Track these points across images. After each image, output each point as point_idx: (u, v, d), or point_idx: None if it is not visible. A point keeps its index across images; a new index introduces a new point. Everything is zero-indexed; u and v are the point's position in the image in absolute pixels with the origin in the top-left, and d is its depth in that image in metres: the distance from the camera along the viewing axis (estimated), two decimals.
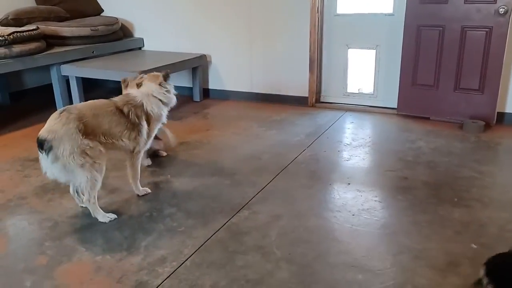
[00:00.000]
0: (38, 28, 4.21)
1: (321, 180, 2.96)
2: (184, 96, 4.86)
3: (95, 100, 2.54)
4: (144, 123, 2.58)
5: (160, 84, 2.69)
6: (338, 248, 2.20)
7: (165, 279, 1.97)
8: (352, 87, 4.59)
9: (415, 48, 4.02)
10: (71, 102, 4.35)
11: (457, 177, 2.94)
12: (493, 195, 2.71)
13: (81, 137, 2.28)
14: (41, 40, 4.26)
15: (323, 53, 4.56)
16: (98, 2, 5.37)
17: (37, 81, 5.17)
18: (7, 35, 3.86)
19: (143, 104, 2.58)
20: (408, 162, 3.19)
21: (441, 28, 3.88)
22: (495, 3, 3.63)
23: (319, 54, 4.53)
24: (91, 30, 4.71)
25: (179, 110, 4.41)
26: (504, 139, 3.62)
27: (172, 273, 2.01)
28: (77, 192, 2.52)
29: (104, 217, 2.45)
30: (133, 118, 2.52)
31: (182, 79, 5.07)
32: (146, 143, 2.65)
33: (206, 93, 5.11)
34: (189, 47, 5.01)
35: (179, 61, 4.56)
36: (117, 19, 5.11)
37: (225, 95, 5.04)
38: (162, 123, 2.79)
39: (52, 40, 4.50)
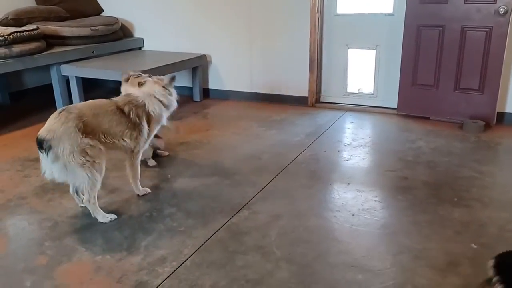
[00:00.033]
0: (38, 28, 4.20)
1: (321, 180, 2.96)
2: (184, 96, 4.85)
3: (96, 100, 2.54)
4: (145, 123, 2.58)
5: (164, 86, 2.70)
6: (338, 248, 2.20)
7: (165, 279, 1.97)
8: (352, 87, 4.59)
9: (415, 48, 4.02)
10: (71, 102, 4.34)
11: (457, 177, 2.94)
12: (493, 195, 2.71)
13: (81, 136, 2.27)
14: (41, 40, 4.26)
15: (323, 53, 4.56)
16: (98, 2, 5.37)
17: (37, 81, 5.17)
18: (7, 35, 3.86)
19: (144, 104, 2.58)
20: (408, 162, 3.19)
21: (441, 28, 3.88)
22: (495, 3, 3.63)
23: (319, 54, 4.53)
24: (91, 30, 4.71)
25: (179, 110, 4.38)
26: (504, 139, 3.62)
27: (172, 273, 2.01)
28: (76, 192, 2.52)
29: (104, 217, 2.45)
30: (134, 118, 2.52)
31: (182, 79, 5.06)
32: (145, 143, 2.66)
33: (206, 93, 5.12)
34: (189, 47, 5.01)
35: (179, 61, 4.57)
36: (117, 19, 5.11)
37: (225, 95, 5.04)
38: (162, 125, 2.80)
39: (52, 40, 4.49)
